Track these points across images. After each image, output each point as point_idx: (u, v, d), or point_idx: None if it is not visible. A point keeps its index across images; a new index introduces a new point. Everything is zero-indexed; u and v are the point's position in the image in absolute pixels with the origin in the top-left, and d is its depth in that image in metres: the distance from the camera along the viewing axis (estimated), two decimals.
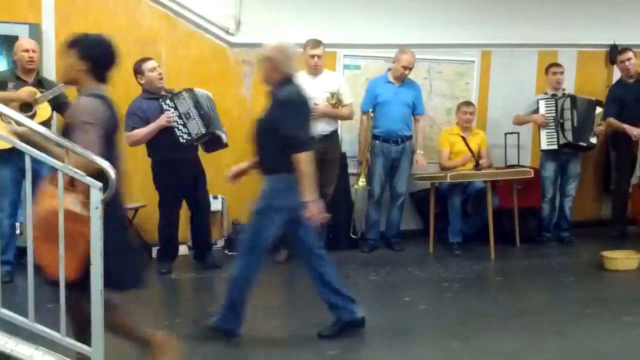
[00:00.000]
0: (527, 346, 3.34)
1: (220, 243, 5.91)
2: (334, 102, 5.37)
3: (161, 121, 4.71)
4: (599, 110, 5.79)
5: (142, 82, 4.85)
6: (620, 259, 4.89)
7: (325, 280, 3.47)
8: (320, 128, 5.36)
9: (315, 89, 5.34)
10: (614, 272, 4.81)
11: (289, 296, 4.66)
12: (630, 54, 5.95)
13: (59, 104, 4.73)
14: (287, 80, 3.43)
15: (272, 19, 5.81)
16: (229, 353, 3.36)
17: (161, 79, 4.86)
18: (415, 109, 5.74)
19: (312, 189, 3.30)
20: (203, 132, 4.77)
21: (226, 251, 5.77)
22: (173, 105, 4.77)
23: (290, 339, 3.55)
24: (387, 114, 5.62)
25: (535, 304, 4.20)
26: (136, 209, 5.52)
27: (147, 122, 4.75)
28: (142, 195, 5.43)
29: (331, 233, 5.91)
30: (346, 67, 6.12)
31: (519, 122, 6.04)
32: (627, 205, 6.04)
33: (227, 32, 5.85)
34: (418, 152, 5.73)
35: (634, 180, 5.87)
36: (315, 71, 5.36)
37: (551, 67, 5.98)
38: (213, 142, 5.01)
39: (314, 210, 3.30)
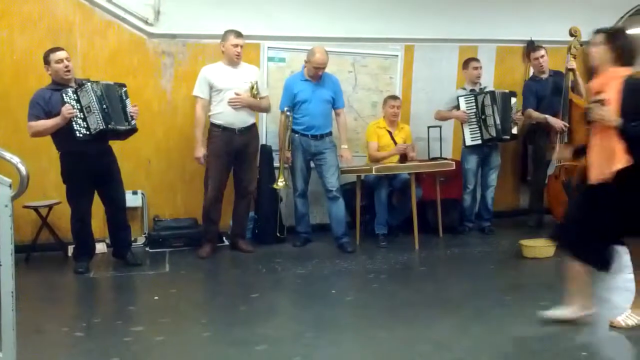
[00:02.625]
0: (451, 334, 3.39)
1: (141, 240, 5.73)
2: (255, 92, 5.28)
3: (64, 114, 4.49)
4: (513, 100, 6.00)
5: (49, 72, 4.66)
6: (538, 247, 5.04)
7: None
8: (242, 119, 5.28)
9: (236, 79, 5.28)
10: (532, 260, 4.97)
11: (213, 292, 4.55)
12: (542, 52, 6.16)
13: None
14: None
15: (193, 9, 5.69)
16: (150, 352, 3.24)
17: (68, 71, 4.64)
18: (335, 104, 5.63)
19: None
20: (101, 127, 4.54)
21: (147, 248, 5.60)
22: (75, 98, 4.56)
23: (216, 335, 3.46)
24: (307, 112, 5.50)
25: (458, 292, 4.28)
26: (50, 206, 5.27)
27: (48, 112, 4.54)
28: (56, 192, 5.19)
29: (257, 228, 5.86)
30: (270, 59, 6.03)
31: (441, 118, 6.14)
32: (544, 195, 6.26)
33: (145, 22, 5.66)
34: (342, 146, 5.67)
35: (550, 171, 6.08)
36: (237, 61, 5.28)
37: (471, 62, 6.09)
38: (116, 136, 4.80)
39: None
